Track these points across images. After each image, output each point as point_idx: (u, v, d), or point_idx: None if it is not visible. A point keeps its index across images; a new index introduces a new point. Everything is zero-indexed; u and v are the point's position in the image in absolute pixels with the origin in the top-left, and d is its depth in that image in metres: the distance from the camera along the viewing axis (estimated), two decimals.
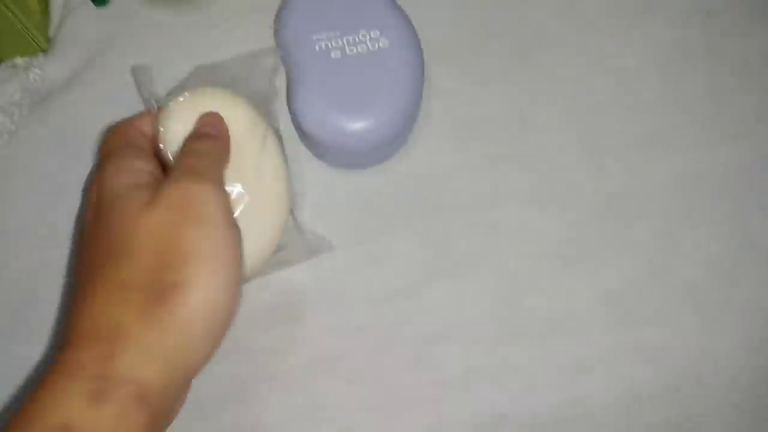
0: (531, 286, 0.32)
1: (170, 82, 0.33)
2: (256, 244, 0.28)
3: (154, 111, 0.29)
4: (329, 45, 0.31)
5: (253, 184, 0.28)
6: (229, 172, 0.28)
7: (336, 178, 0.33)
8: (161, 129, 0.28)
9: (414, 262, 0.32)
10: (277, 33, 0.33)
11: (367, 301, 0.32)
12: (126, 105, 0.32)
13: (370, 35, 0.31)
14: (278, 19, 0.33)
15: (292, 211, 0.31)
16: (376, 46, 0.31)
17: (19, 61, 0.36)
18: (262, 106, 0.31)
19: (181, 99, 0.28)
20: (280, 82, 0.33)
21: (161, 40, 0.36)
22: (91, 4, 0.36)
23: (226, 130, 0.29)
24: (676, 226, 0.33)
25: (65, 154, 0.34)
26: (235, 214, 0.27)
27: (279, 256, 0.30)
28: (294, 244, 0.31)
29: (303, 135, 0.32)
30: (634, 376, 0.31)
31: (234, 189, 0.28)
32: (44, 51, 0.36)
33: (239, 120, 0.29)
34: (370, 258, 0.32)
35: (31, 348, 0.31)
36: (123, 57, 0.35)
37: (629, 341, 0.31)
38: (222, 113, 0.29)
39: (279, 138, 0.30)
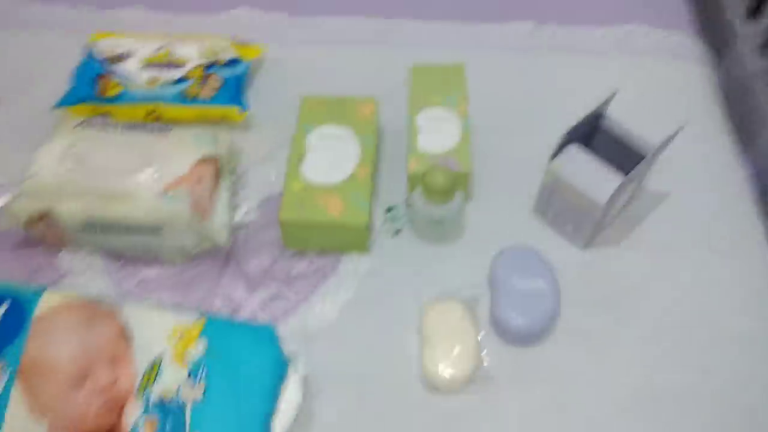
0: None
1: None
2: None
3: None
4: (520, 285, 0.62)
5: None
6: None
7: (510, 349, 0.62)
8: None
9: None
10: (491, 272, 0.64)
11: None
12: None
13: (536, 280, 0.62)
14: (493, 264, 0.65)
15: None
16: (539, 285, 0.62)
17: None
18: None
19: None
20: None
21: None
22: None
23: None
24: None
25: None
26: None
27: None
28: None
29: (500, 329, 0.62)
30: None
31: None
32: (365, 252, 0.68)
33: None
34: None
35: None
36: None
37: None
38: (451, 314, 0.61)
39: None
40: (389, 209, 0.71)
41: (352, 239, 0.66)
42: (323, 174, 0.67)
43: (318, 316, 0.63)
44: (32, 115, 0.77)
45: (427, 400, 0.59)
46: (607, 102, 0.65)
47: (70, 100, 0.75)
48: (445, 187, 0.62)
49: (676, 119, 0.63)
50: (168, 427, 0.49)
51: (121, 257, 0.67)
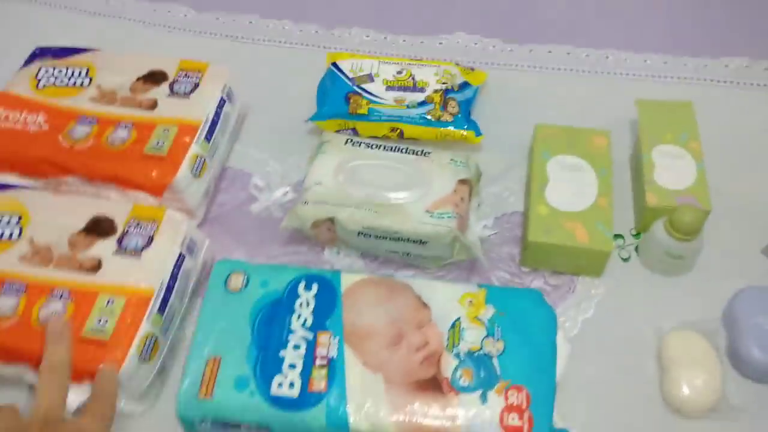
0: None
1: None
2: None
3: None
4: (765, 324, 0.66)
5: None
6: None
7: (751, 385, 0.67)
8: None
9: None
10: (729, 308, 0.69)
11: None
12: None
13: None
14: (734, 300, 0.69)
15: None
16: None
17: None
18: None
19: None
20: None
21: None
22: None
23: None
24: None
25: None
26: None
27: None
28: None
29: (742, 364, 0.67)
30: None
31: None
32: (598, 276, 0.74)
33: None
34: None
35: None
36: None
37: None
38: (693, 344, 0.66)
39: None
40: (616, 236, 0.76)
41: (591, 264, 0.72)
42: (567, 201, 0.73)
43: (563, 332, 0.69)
44: (279, 125, 0.87)
45: (669, 422, 0.64)
46: None
47: (324, 114, 0.83)
48: (694, 226, 0.67)
49: None
50: (482, 373, 0.59)
51: (377, 258, 0.75)
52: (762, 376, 0.65)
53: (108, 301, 0.62)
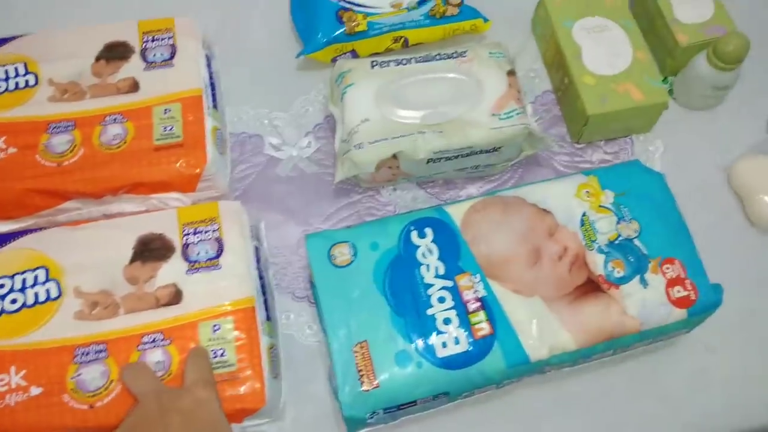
0: None
1: None
2: None
3: None
4: None
5: None
6: None
7: None
8: None
9: None
10: None
11: None
12: None
13: None
14: None
15: None
16: None
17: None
18: None
19: None
20: None
21: None
22: None
23: None
24: None
25: None
26: None
27: None
28: None
29: None
30: None
31: None
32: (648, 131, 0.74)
33: None
34: None
35: None
36: None
37: None
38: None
39: None
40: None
41: (645, 120, 0.72)
42: (607, 64, 0.70)
43: None
44: (263, 71, 0.75)
45: (764, 242, 0.68)
46: None
47: (318, 44, 0.72)
48: (739, 53, 0.68)
49: None
50: (632, 259, 0.58)
51: (436, 182, 0.69)
52: None
53: (214, 327, 0.52)
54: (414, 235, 0.58)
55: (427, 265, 0.57)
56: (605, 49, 0.71)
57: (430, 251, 0.57)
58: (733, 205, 0.70)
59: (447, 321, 0.55)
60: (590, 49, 0.71)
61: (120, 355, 0.50)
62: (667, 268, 0.57)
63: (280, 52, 0.75)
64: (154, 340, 0.51)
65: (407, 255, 0.57)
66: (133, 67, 0.63)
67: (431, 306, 0.55)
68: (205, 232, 0.56)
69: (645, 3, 0.77)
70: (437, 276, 0.56)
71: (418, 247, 0.58)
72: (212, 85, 0.65)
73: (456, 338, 0.54)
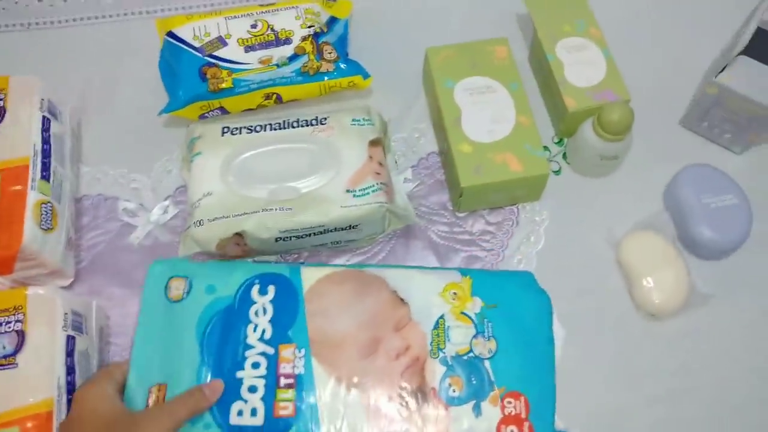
0: None
1: None
2: None
3: None
4: (707, 200, 0.65)
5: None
6: None
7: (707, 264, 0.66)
8: None
9: None
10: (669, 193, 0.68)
11: None
12: None
13: (725, 195, 0.65)
14: (672, 186, 0.67)
15: None
16: (728, 198, 0.65)
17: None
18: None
19: None
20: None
21: None
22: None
23: None
24: None
25: None
26: None
27: None
28: None
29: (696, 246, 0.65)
30: None
31: None
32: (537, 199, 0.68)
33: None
34: None
35: None
36: None
37: None
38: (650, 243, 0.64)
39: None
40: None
41: (530, 190, 0.66)
42: (487, 131, 0.65)
43: (518, 268, 0.64)
44: (125, 128, 0.71)
45: (648, 327, 0.63)
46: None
47: (179, 101, 0.67)
48: (623, 124, 0.63)
49: None
50: (474, 381, 0.52)
51: (298, 254, 0.64)
52: (719, 254, 0.65)
53: None
54: (255, 289, 0.54)
55: (256, 325, 0.52)
56: (487, 113, 0.66)
57: (265, 311, 0.53)
58: (620, 286, 0.64)
59: (253, 389, 0.50)
60: (471, 113, 0.66)
61: None
62: (509, 402, 0.51)
63: (147, 109, 0.70)
64: None
65: (240, 309, 0.53)
66: None
67: (242, 369, 0.50)
68: (7, 323, 0.51)
69: (540, 61, 0.72)
70: (261, 339, 0.51)
71: (254, 303, 0.53)
72: (46, 151, 0.60)
73: (254, 409, 0.49)
